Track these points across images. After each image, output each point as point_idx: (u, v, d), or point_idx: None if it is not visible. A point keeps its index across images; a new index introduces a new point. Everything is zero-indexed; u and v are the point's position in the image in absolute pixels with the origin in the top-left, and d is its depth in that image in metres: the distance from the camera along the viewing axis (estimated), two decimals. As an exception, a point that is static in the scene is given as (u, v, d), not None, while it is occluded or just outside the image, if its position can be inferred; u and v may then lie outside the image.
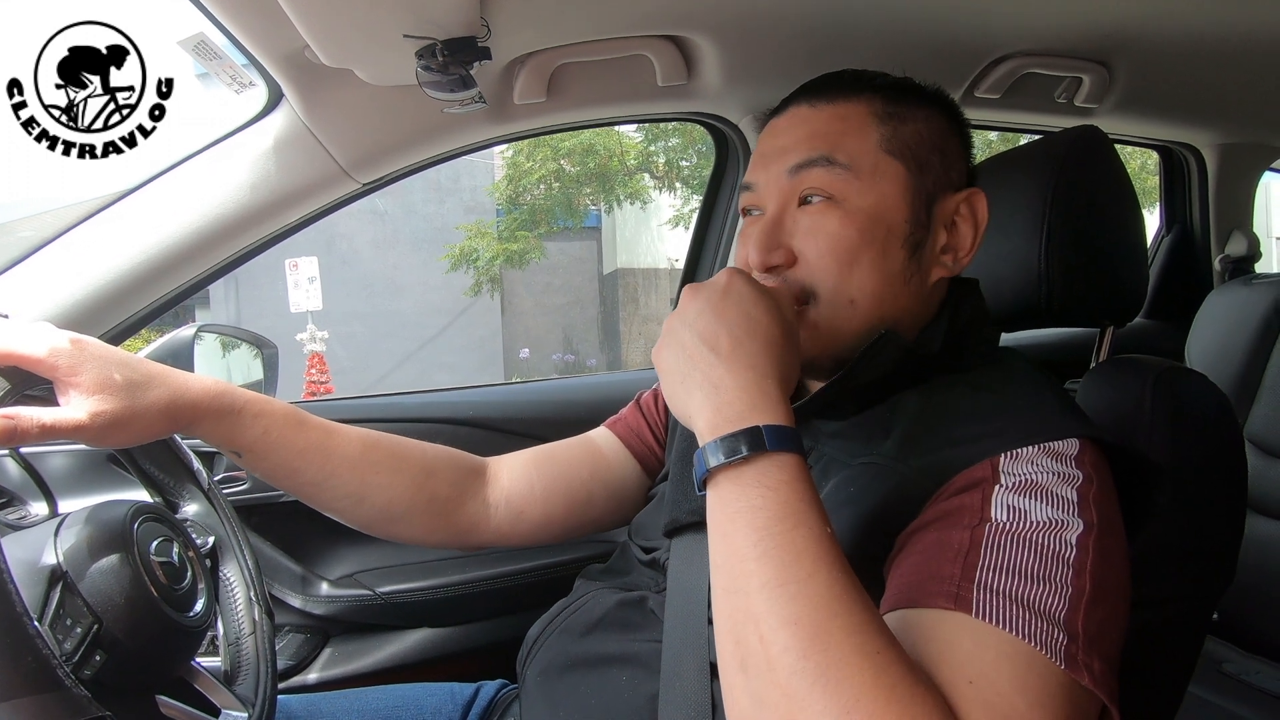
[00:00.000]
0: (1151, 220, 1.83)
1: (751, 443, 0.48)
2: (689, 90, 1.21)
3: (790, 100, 0.69)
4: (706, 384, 0.52)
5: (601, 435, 0.88)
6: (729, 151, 1.44)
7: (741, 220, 0.71)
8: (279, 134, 1.03)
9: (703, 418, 0.51)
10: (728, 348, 0.52)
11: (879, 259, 0.63)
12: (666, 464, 0.79)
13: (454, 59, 0.86)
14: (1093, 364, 0.85)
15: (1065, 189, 0.76)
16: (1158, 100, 1.51)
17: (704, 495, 0.51)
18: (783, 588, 0.44)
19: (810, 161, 0.64)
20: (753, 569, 0.46)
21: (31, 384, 0.60)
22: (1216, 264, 1.88)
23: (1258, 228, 1.92)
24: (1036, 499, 0.51)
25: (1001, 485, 0.52)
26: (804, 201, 0.64)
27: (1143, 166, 5.83)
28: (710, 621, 0.60)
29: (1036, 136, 1.50)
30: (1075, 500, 0.51)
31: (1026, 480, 0.52)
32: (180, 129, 0.98)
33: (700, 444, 0.51)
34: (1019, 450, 0.54)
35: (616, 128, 7.27)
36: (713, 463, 0.49)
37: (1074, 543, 0.49)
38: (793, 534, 0.46)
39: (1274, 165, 1.93)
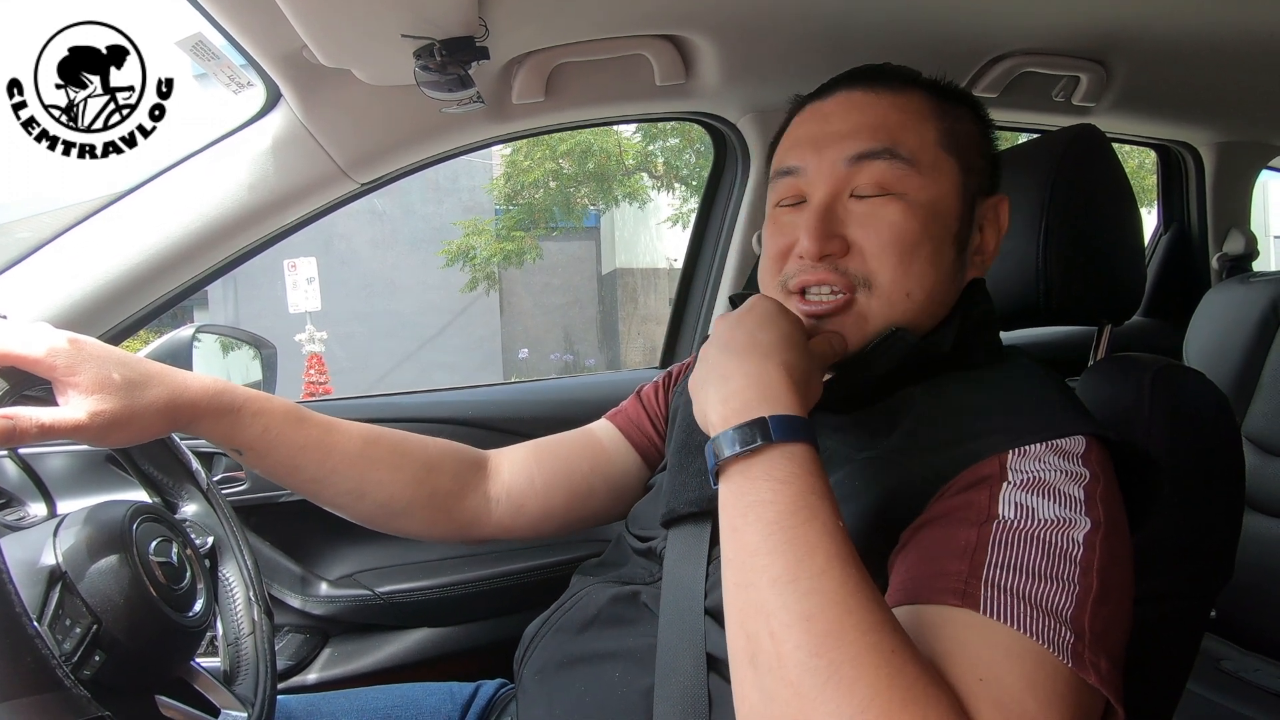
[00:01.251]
0: (1149, 218, 1.84)
1: (758, 434, 0.49)
2: (687, 90, 1.21)
3: (838, 85, 0.68)
4: (719, 378, 0.53)
5: (602, 427, 0.88)
6: (727, 151, 1.44)
7: (768, 207, 0.70)
8: (277, 134, 1.03)
9: (715, 410, 0.52)
10: (743, 344, 0.54)
11: (935, 254, 0.63)
12: (666, 455, 0.79)
13: (452, 59, 0.86)
14: (1091, 362, 0.85)
15: (1063, 188, 0.76)
16: (1155, 99, 1.51)
17: (713, 488, 0.51)
18: (794, 583, 0.44)
19: (873, 153, 0.63)
20: (764, 564, 0.46)
21: (30, 384, 0.60)
22: (1214, 262, 1.88)
23: (1255, 226, 1.92)
24: (1044, 496, 0.51)
25: (1009, 482, 0.52)
26: (854, 195, 0.63)
27: (1140, 165, 5.83)
28: (706, 613, 0.60)
29: (1034, 135, 1.50)
30: (1083, 498, 0.51)
31: (1034, 478, 0.52)
32: (179, 129, 0.98)
33: (711, 436, 0.51)
34: (1027, 447, 0.54)
35: (615, 127, 7.27)
36: (723, 454, 0.50)
37: (1081, 541, 0.49)
38: (805, 529, 0.46)
39: (1271, 163, 1.93)
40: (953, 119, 0.66)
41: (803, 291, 0.64)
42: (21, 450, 0.73)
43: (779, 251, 0.66)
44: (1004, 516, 0.50)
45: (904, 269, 0.62)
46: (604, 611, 0.69)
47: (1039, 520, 0.50)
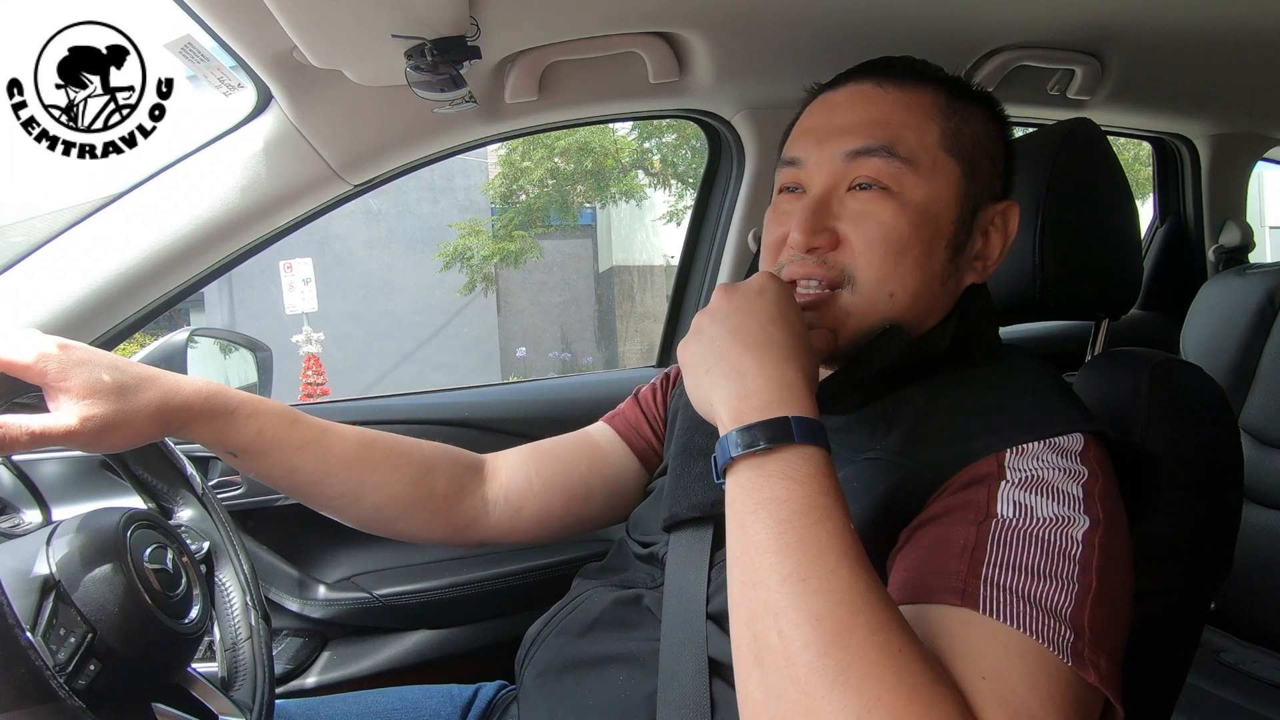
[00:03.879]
0: (1145, 211, 1.84)
1: (778, 433, 0.48)
2: (681, 87, 1.20)
3: (850, 76, 0.68)
4: (732, 372, 0.52)
5: (600, 430, 0.88)
6: (722, 148, 1.43)
7: (773, 196, 0.69)
8: (269, 136, 1.03)
9: (726, 406, 0.51)
10: (757, 339, 0.53)
11: (924, 256, 0.62)
12: (665, 458, 0.79)
13: (443, 58, 0.86)
14: (1088, 357, 0.85)
15: (1058, 182, 0.76)
16: (1150, 92, 1.51)
17: (717, 488, 0.51)
18: (804, 582, 0.44)
19: (870, 150, 0.62)
20: (773, 562, 0.45)
21: (20, 391, 0.59)
22: (1210, 254, 1.88)
23: (1251, 217, 1.92)
24: (1042, 495, 0.51)
25: (1007, 481, 0.52)
26: (853, 186, 0.63)
27: (1136, 157, 5.84)
28: (709, 617, 0.60)
29: (1030, 129, 1.50)
30: (1081, 496, 0.51)
31: (1032, 476, 0.52)
32: (171, 130, 0.97)
33: (722, 432, 0.50)
34: (1025, 446, 0.54)
35: (610, 125, 7.26)
36: (736, 451, 0.49)
37: (1080, 539, 0.49)
38: (816, 528, 0.45)
39: (1267, 155, 1.93)
40: (960, 119, 0.64)
41: (794, 282, 0.64)
42: (14, 457, 0.72)
43: (775, 241, 0.66)
44: (1003, 515, 0.50)
45: (889, 268, 0.61)
46: (606, 614, 0.69)
47: (1038, 519, 0.50)
